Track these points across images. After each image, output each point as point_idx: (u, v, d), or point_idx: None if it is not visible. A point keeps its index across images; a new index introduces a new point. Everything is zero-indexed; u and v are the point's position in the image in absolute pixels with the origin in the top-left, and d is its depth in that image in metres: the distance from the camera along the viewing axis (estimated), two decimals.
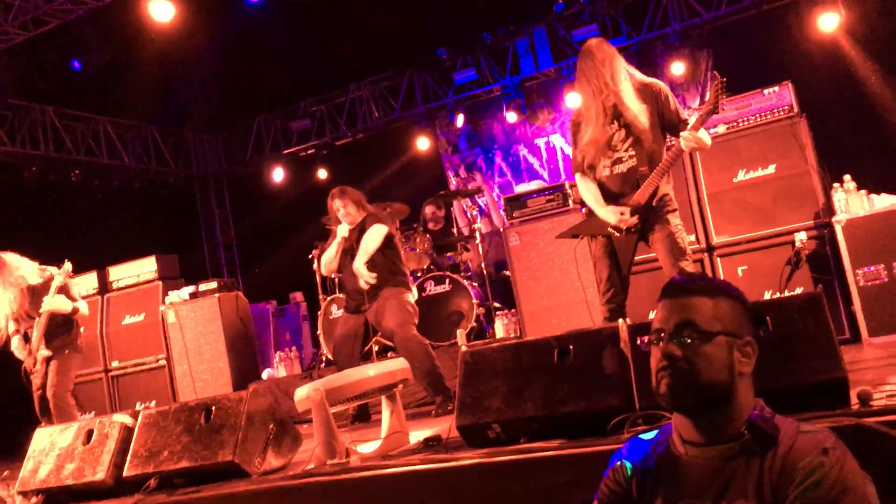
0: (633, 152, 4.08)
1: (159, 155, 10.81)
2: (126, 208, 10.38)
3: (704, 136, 3.95)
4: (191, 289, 7.47)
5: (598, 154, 4.14)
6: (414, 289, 5.54)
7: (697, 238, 5.49)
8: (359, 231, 5.37)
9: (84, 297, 6.46)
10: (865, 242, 4.89)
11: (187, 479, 3.58)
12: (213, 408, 3.73)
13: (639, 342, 3.13)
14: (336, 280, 7.48)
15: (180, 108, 11.39)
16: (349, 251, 5.38)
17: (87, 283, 7.78)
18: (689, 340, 1.62)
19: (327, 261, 5.53)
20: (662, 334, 1.66)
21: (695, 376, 1.61)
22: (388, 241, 5.34)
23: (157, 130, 10.79)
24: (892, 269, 4.81)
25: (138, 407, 7.08)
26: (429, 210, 7.78)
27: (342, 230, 5.40)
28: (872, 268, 4.85)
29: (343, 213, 5.39)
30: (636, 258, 4.25)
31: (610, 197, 4.14)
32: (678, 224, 4.10)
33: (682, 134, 3.93)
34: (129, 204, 10.47)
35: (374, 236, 5.25)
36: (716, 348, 1.62)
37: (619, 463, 1.75)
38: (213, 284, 7.43)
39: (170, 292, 7.52)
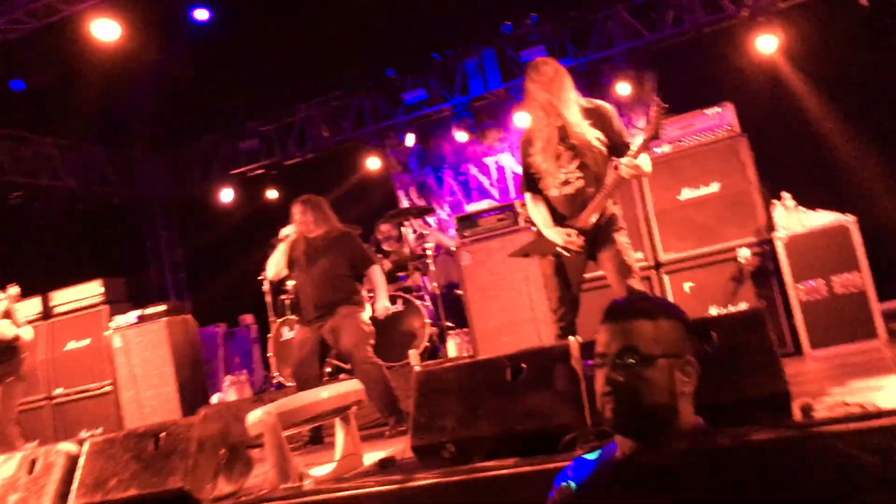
0: (580, 174, 4.12)
1: (103, 176, 10.60)
2: (69, 231, 10.14)
3: (644, 163, 3.99)
4: (138, 312, 7.33)
5: (547, 175, 4.19)
6: (367, 307, 5.53)
7: (645, 255, 5.60)
8: (327, 242, 5.35)
9: (27, 322, 6.30)
10: (805, 257, 5.05)
11: None
12: (163, 434, 3.67)
13: (584, 367, 3.19)
14: (287, 301, 7.41)
15: (125, 129, 11.20)
16: (310, 259, 5.34)
17: (30, 308, 7.58)
18: (631, 365, 1.64)
19: (274, 262, 5.46)
20: (605, 359, 1.68)
21: (638, 401, 1.63)
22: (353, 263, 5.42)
23: (100, 151, 10.58)
24: (830, 284, 4.97)
25: (84, 435, 6.91)
26: (384, 228, 7.77)
27: (288, 231, 5.37)
28: (813, 282, 5.00)
29: (301, 220, 5.36)
30: (586, 276, 4.32)
31: (558, 217, 4.19)
32: (625, 242, 4.16)
33: (621, 161, 4.01)
34: (72, 226, 10.24)
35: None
36: (657, 372, 1.64)
37: (564, 483, 1.77)
38: (162, 307, 7.30)
39: (116, 317, 7.37)
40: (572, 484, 1.74)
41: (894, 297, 6.20)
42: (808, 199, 5.33)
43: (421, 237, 8.02)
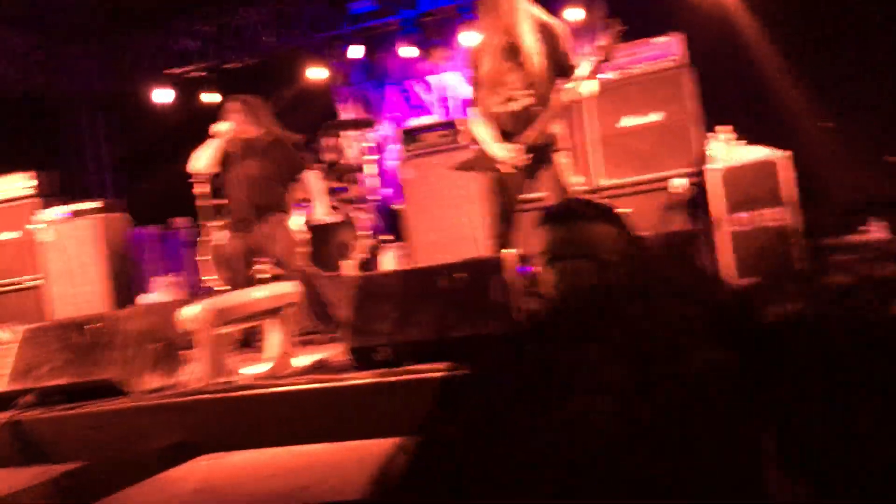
0: (526, 91, 4.15)
1: (31, 66, 10.08)
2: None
3: (587, 88, 4.06)
4: (72, 207, 7.15)
5: (494, 90, 4.20)
6: (298, 213, 5.48)
7: (585, 180, 5.68)
8: (262, 145, 5.23)
9: None
10: (736, 190, 5.19)
11: (67, 396, 3.51)
12: (95, 325, 3.64)
13: (519, 271, 3.28)
14: (221, 207, 7.30)
15: (53, 17, 10.63)
16: (242, 161, 5.21)
17: None
18: (547, 266, 1.74)
19: (205, 156, 5.23)
20: (530, 262, 1.79)
21: (556, 298, 1.74)
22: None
23: (26, 39, 10.03)
24: (759, 217, 5.15)
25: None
26: (325, 139, 7.70)
27: (220, 127, 5.15)
28: (742, 214, 5.18)
29: (237, 119, 5.19)
30: (525, 195, 4.38)
31: (503, 134, 4.23)
32: (566, 163, 4.23)
33: (565, 86, 4.04)
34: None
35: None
36: (570, 271, 1.73)
37: None
38: (97, 204, 7.14)
39: (48, 210, 7.17)
40: None
41: (818, 234, 6.46)
42: (748, 134, 5.46)
43: (360, 149, 7.97)
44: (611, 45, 3.97)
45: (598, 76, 4.17)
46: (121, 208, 7.47)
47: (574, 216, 1.77)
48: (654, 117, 5.60)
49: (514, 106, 4.18)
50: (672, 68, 5.61)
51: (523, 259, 3.26)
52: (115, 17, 10.26)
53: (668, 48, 5.64)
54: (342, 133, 8.10)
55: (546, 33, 4.14)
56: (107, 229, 7.03)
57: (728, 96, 7.22)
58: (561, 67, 4.16)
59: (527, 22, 4.11)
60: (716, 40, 7.65)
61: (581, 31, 8.91)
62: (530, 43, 4.08)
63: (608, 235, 1.77)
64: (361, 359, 3.40)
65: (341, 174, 7.53)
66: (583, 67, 4.06)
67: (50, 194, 7.39)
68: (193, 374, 3.73)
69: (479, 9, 4.25)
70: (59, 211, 7.12)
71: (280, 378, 3.50)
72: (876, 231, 6.72)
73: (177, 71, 10.43)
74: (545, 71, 4.11)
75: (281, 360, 3.83)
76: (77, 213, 7.09)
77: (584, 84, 4.00)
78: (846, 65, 7.44)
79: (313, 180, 5.41)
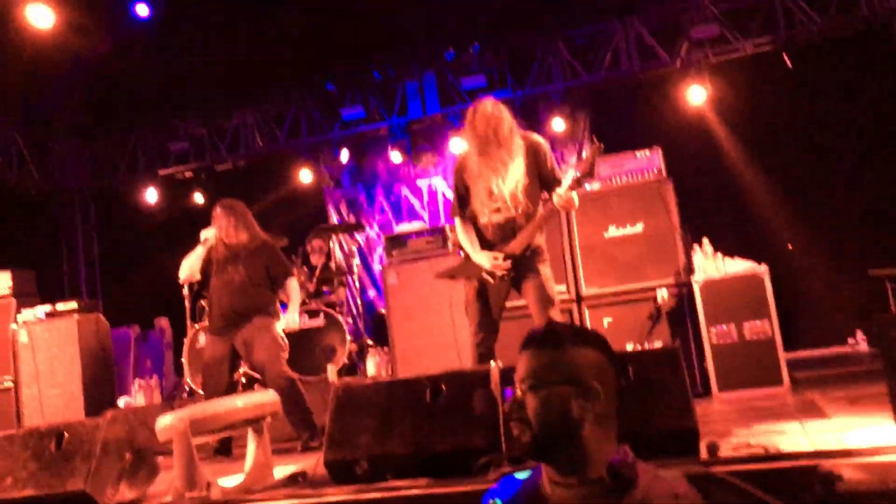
0: (511, 204, 4.23)
1: (21, 162, 10.20)
2: None
3: (575, 197, 4.16)
4: (47, 308, 7.06)
5: (479, 202, 4.28)
6: (282, 317, 5.45)
7: (568, 288, 5.70)
8: (248, 250, 5.26)
9: None
10: (719, 302, 5.23)
11: None
12: (66, 434, 3.55)
13: (505, 394, 3.24)
14: (206, 307, 7.27)
15: (48, 115, 10.81)
16: (227, 265, 5.23)
17: None
18: (530, 391, 1.72)
19: (188, 265, 5.30)
20: (516, 386, 1.78)
21: (534, 425, 1.71)
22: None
23: (19, 135, 10.17)
24: (741, 329, 5.17)
25: None
26: (316, 243, 7.73)
27: (208, 234, 5.25)
28: (724, 326, 5.19)
29: (223, 224, 5.25)
30: (508, 305, 4.38)
31: (487, 244, 4.28)
32: (548, 274, 4.26)
33: (556, 193, 4.12)
34: None
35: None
36: (552, 398, 1.70)
37: (491, 501, 1.81)
38: (73, 305, 7.05)
39: (23, 310, 7.08)
40: (499, 501, 1.79)
41: (798, 346, 6.49)
42: (724, 246, 5.54)
43: (348, 253, 8.02)
44: (594, 160, 4.07)
45: (582, 188, 4.25)
46: (97, 308, 7.38)
47: (556, 341, 1.76)
48: (636, 228, 5.68)
49: (498, 218, 4.24)
50: (654, 181, 5.73)
51: (506, 375, 3.22)
52: (113, 119, 10.44)
53: (650, 161, 5.78)
54: (331, 235, 8.16)
55: (530, 148, 4.25)
56: (81, 331, 6.92)
57: (703, 209, 7.39)
58: (547, 182, 4.26)
59: (511, 136, 4.22)
60: (693, 154, 7.88)
61: (563, 142, 9.18)
62: (517, 158, 4.18)
63: (592, 361, 1.76)
64: (339, 472, 3.31)
65: (329, 277, 7.54)
66: (566, 180, 4.14)
67: (26, 294, 7.31)
68: (169, 484, 3.62)
69: (466, 120, 4.36)
70: (34, 311, 7.04)
71: (255, 492, 3.40)
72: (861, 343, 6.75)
73: (169, 170, 10.56)
74: (529, 185, 4.20)
75: (258, 472, 3.72)
76: (52, 314, 7.01)
77: (567, 196, 4.08)
78: (822, 178, 7.65)
79: (293, 287, 5.42)
